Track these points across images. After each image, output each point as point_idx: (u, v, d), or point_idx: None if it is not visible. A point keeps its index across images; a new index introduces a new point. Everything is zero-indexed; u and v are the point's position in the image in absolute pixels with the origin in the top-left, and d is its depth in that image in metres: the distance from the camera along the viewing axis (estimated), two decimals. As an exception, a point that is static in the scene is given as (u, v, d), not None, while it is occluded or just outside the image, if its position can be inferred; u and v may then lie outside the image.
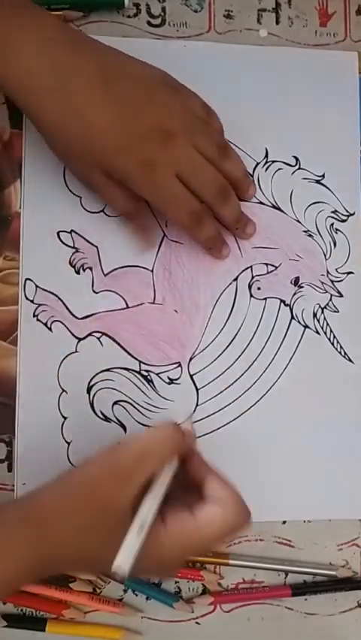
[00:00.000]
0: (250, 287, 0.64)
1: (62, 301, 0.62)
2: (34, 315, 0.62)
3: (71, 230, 0.63)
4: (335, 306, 0.65)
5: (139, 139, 0.54)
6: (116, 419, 0.61)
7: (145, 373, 0.62)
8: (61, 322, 0.62)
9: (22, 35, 0.53)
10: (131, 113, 0.54)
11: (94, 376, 0.61)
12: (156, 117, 0.55)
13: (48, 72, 0.53)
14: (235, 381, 0.63)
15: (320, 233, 0.66)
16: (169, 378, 0.62)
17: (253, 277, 0.64)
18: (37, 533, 0.46)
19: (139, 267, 0.63)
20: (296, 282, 0.65)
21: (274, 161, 0.66)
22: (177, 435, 0.49)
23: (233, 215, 0.62)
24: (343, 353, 0.65)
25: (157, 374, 0.62)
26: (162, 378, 0.62)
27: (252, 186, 0.64)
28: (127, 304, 0.63)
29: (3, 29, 0.53)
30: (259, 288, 0.64)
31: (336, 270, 0.66)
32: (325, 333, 0.65)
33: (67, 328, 0.62)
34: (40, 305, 0.62)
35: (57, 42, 0.54)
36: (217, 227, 0.62)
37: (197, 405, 0.62)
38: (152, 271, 0.63)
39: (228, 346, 0.63)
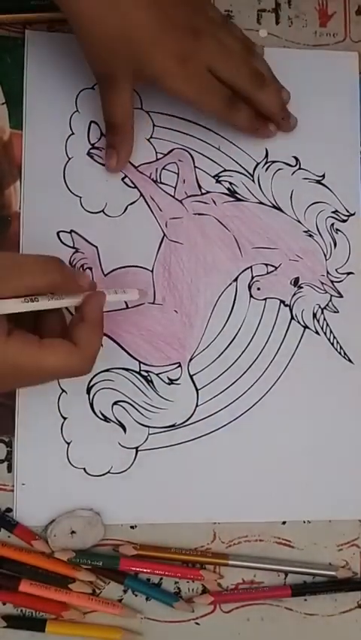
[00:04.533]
0: (249, 287, 0.64)
1: (61, 301, 0.62)
2: (34, 316, 0.61)
3: (71, 231, 0.63)
4: (334, 306, 0.65)
5: (173, 34, 0.57)
6: (116, 419, 0.61)
7: (145, 374, 0.62)
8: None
9: None
10: (167, 8, 0.56)
11: (94, 376, 0.61)
12: (186, 15, 0.57)
13: None
14: (235, 381, 0.63)
15: (320, 234, 0.66)
16: (169, 379, 0.62)
17: (252, 277, 0.64)
18: None
19: (139, 267, 0.63)
20: (296, 282, 0.65)
21: (274, 162, 0.66)
22: (54, 266, 0.51)
23: (274, 100, 0.63)
24: (343, 353, 0.65)
25: (157, 374, 0.62)
26: (161, 379, 0.62)
27: (285, 91, 0.65)
28: (127, 304, 0.62)
29: None
30: (258, 289, 0.64)
31: (336, 270, 0.66)
32: (325, 333, 0.65)
33: (67, 328, 0.62)
34: (40, 305, 0.62)
35: None
36: (252, 110, 0.62)
37: (197, 405, 0.62)
38: (152, 271, 0.63)
39: (228, 346, 0.63)
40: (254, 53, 0.62)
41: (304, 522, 0.63)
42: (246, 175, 0.65)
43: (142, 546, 0.61)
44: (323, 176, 0.66)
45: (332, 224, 0.66)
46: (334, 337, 0.65)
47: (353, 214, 0.67)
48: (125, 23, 0.55)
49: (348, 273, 0.66)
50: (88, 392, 0.61)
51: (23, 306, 0.50)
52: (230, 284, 0.64)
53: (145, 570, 0.60)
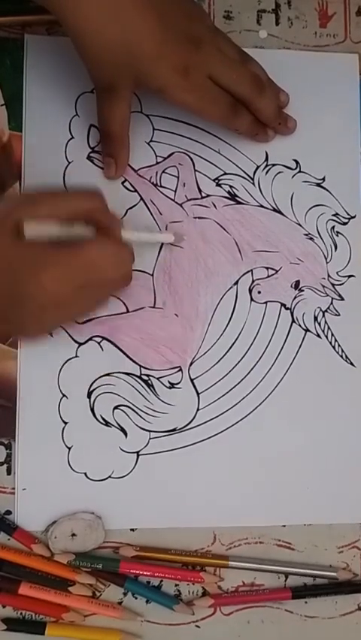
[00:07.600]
0: (250, 291, 0.64)
1: (62, 305, 0.62)
2: (34, 320, 0.61)
3: (71, 234, 0.63)
4: (335, 309, 0.65)
5: (174, 45, 0.56)
6: (117, 424, 0.61)
7: (146, 378, 0.62)
8: (61, 326, 0.61)
9: None
10: (168, 18, 0.56)
11: (94, 381, 0.61)
12: (186, 24, 0.57)
13: None
14: (236, 385, 0.63)
15: (320, 237, 0.66)
16: (170, 383, 0.62)
17: (253, 281, 0.64)
18: None
19: (139, 271, 0.63)
20: (297, 285, 0.65)
21: (274, 165, 0.66)
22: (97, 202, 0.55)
23: (272, 106, 0.63)
24: (344, 356, 0.65)
25: (158, 378, 0.62)
26: (162, 383, 0.62)
27: (283, 93, 0.65)
28: (127, 309, 0.62)
29: None
30: (259, 292, 0.64)
31: (337, 273, 0.66)
32: (326, 336, 0.65)
33: (67, 333, 0.62)
34: (40, 309, 0.61)
35: None
36: (252, 115, 0.63)
37: (198, 409, 0.62)
38: (152, 275, 0.63)
39: (228, 350, 0.63)
40: (250, 59, 0.62)
41: (305, 524, 0.63)
42: (246, 178, 0.65)
43: (142, 548, 0.61)
44: (324, 178, 0.66)
45: (333, 227, 0.66)
46: (335, 340, 0.65)
47: (354, 217, 0.66)
48: (127, 36, 0.54)
49: (349, 276, 0.66)
50: (89, 396, 0.61)
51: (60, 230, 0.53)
52: (231, 287, 0.64)
53: (145, 573, 0.60)
